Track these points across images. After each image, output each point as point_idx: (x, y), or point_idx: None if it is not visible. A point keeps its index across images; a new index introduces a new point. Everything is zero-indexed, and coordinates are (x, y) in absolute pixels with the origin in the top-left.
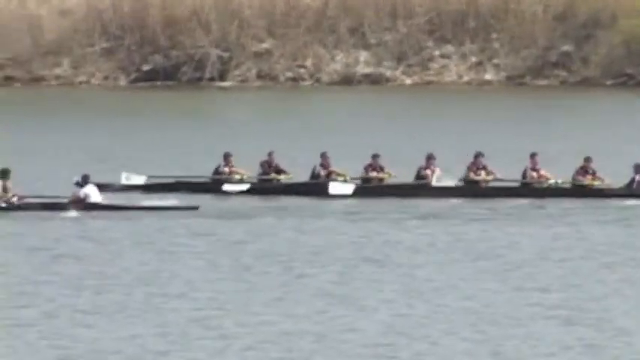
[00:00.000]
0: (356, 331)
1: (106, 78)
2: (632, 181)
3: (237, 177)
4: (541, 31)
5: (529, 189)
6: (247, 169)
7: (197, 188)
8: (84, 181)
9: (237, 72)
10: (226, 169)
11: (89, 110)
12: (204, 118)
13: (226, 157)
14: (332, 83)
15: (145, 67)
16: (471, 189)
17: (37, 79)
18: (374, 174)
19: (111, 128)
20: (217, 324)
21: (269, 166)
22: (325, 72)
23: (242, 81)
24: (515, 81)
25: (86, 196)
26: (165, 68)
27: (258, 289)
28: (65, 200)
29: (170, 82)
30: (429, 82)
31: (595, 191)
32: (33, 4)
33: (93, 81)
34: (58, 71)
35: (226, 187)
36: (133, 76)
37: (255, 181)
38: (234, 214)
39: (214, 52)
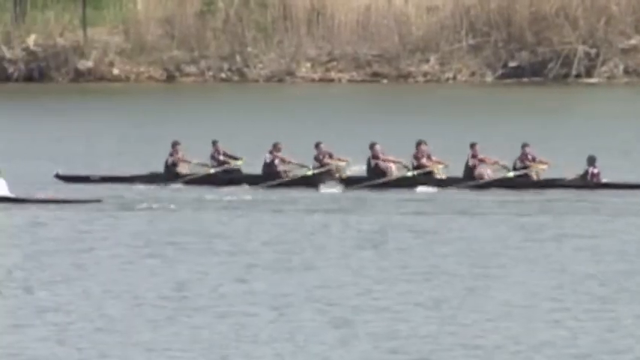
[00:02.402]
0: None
1: (472, 74)
2: (586, 173)
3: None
4: None
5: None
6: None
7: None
8: None
9: (603, 68)
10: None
11: (453, 106)
12: (569, 115)
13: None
14: None
15: (512, 64)
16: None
17: (404, 76)
18: None
19: (470, 124)
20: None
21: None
22: None
23: (609, 77)
24: None
25: None
26: (532, 65)
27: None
28: None
29: (536, 79)
30: None
31: (549, 182)
32: (400, 1)
33: (459, 77)
34: (425, 68)
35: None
36: (500, 72)
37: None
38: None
39: (581, 49)
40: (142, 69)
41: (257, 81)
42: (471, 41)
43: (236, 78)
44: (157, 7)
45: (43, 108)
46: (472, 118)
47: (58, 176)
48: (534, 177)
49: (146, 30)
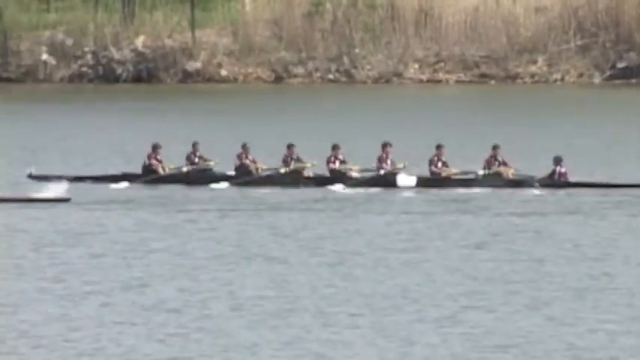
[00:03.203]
0: None
1: (580, 75)
2: (553, 172)
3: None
4: None
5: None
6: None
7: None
8: None
9: None
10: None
11: (561, 108)
12: None
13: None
14: None
15: (620, 65)
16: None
17: (512, 77)
18: None
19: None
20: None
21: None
22: None
23: None
24: None
25: None
26: None
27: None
28: None
29: None
30: None
31: (516, 182)
32: (509, 2)
33: (567, 79)
34: (532, 69)
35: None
36: (608, 73)
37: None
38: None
39: None
40: (249, 70)
41: (364, 82)
42: (579, 42)
43: (343, 79)
44: (265, 9)
45: (151, 109)
46: (580, 120)
47: (31, 176)
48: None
49: (254, 31)
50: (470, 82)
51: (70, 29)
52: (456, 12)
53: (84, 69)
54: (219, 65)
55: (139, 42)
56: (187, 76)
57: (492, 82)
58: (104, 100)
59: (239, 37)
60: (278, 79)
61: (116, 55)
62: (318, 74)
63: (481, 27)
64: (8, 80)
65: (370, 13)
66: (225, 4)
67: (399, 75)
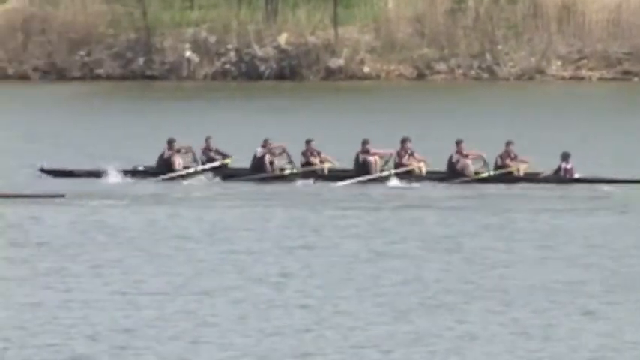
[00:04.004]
0: None
1: None
2: (559, 168)
3: None
4: None
5: (457, 176)
6: None
7: None
8: None
9: None
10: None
11: None
12: None
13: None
14: None
15: None
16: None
17: None
18: None
19: None
20: None
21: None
22: None
23: None
24: None
25: None
26: None
27: None
28: None
29: None
30: None
31: (523, 178)
32: None
33: None
34: None
35: None
36: None
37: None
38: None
39: None
40: (392, 67)
41: (507, 79)
42: None
43: (486, 76)
44: (407, 6)
45: (294, 106)
46: None
47: (42, 170)
48: (515, 173)
49: (396, 28)
50: (613, 79)
51: (213, 27)
52: (599, 9)
53: (227, 66)
54: (362, 62)
55: (282, 39)
56: (330, 74)
57: (636, 79)
58: (245, 97)
59: (381, 34)
60: (420, 76)
61: (259, 53)
62: (461, 71)
63: (624, 23)
64: (152, 77)
65: (512, 9)
66: (367, 1)
67: (541, 72)
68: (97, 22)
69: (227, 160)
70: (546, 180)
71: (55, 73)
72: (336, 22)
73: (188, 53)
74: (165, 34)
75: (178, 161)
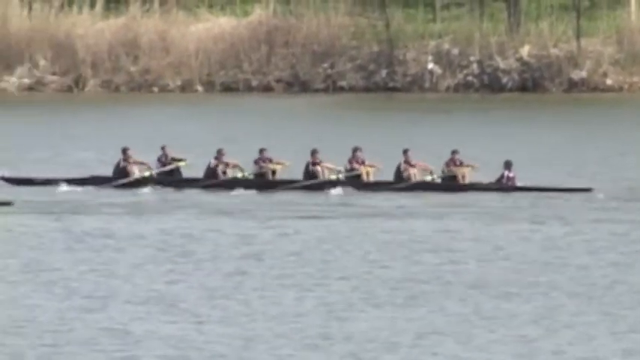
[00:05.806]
0: None
1: None
2: (502, 176)
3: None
4: None
5: (403, 184)
6: None
7: None
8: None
9: None
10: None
11: None
12: None
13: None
14: None
15: None
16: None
17: None
18: None
19: None
20: None
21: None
22: None
23: None
24: None
25: None
26: None
27: None
28: None
29: None
30: None
31: (466, 186)
32: None
33: None
34: None
35: None
36: None
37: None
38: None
39: None
40: (635, 79)
41: None
42: None
43: None
44: None
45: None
46: None
47: (3, 178)
48: (460, 180)
49: (639, 40)
50: None
51: (456, 39)
52: None
53: (469, 78)
54: (605, 74)
55: (524, 51)
56: (572, 86)
57: None
58: (486, 109)
59: (624, 46)
60: None
61: (501, 65)
62: None
63: None
64: (394, 89)
65: None
66: (610, 13)
67: None
68: (340, 34)
69: (181, 164)
70: (489, 188)
71: (298, 86)
72: (579, 33)
73: (431, 65)
74: (408, 46)
75: (135, 171)
